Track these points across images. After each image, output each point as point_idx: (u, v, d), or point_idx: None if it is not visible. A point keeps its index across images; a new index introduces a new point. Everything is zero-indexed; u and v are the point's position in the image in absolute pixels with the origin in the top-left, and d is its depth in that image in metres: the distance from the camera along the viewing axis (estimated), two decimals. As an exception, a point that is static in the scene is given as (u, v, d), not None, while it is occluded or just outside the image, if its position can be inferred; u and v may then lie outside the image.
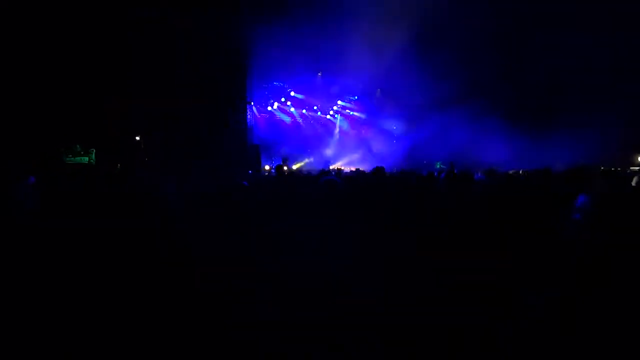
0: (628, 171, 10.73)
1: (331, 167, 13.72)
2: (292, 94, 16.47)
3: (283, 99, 16.54)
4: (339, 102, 17.67)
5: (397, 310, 1.54)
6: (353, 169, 11.09)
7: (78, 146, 9.69)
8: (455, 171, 5.44)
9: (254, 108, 15.32)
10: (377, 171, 3.69)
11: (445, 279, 1.59)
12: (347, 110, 17.86)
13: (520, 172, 7.99)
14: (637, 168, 12.50)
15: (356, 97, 17.79)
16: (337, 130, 17.74)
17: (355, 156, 16.84)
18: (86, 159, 9.63)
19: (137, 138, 10.80)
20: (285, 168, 5.55)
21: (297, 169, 14.00)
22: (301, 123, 17.05)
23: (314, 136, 17.26)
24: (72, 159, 9.52)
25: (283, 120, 16.68)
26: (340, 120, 17.84)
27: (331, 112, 17.71)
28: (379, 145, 17.13)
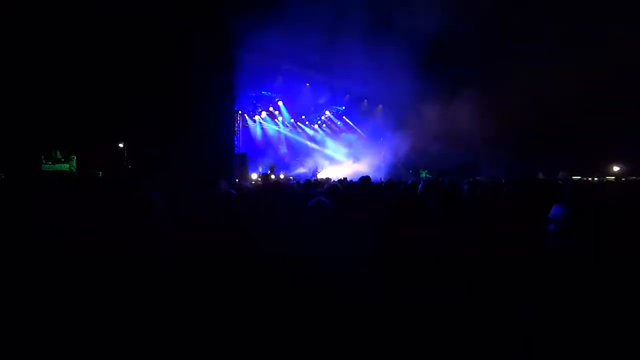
0: (604, 180, 11.14)
1: (318, 176, 13.74)
2: (280, 103, 16.54)
3: (271, 108, 16.58)
4: (327, 112, 17.83)
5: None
6: (340, 177, 11.11)
7: (58, 152, 9.39)
8: (441, 181, 5.53)
9: (245, 116, 15.32)
10: (363, 181, 3.72)
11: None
12: (335, 120, 18.03)
13: (503, 180, 8.14)
14: (613, 178, 13.00)
15: (344, 107, 17.98)
16: (325, 140, 17.85)
17: (343, 165, 16.94)
18: (67, 166, 9.33)
19: (121, 145, 10.58)
20: (272, 177, 5.55)
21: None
22: (288, 133, 17.10)
23: (300, 145, 17.32)
24: (52, 166, 9.21)
25: (270, 129, 16.70)
26: (328, 129, 17.98)
27: (319, 122, 17.86)
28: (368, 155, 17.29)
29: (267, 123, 16.57)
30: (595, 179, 11.64)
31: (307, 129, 17.56)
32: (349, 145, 17.85)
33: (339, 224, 2.11)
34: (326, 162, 17.16)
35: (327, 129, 17.98)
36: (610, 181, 10.33)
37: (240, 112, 14.57)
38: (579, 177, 11.42)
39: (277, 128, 16.81)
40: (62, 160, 9.34)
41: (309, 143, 17.48)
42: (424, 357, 1.49)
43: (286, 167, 16.34)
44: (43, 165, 9.15)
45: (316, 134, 17.72)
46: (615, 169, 14.95)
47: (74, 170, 9.37)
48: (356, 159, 17.32)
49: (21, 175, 7.40)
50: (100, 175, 8.97)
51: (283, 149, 16.91)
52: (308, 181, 6.22)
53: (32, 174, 8.43)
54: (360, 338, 1.49)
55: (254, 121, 16.28)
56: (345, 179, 8.22)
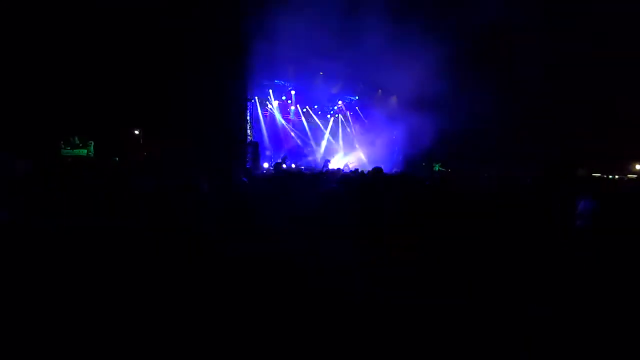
0: (626, 178, 10.79)
1: (330, 167, 13.70)
2: (293, 92, 16.44)
3: (284, 97, 16.50)
4: (340, 102, 17.64)
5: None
6: (352, 167, 11.08)
7: (76, 138, 9.62)
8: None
9: (258, 105, 15.32)
10: (375, 172, 3.68)
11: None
12: (348, 111, 17.84)
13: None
14: (635, 176, 12.55)
15: (357, 97, 17.76)
16: (339, 130, 17.72)
17: (356, 156, 16.84)
18: (84, 151, 9.57)
19: (137, 132, 10.75)
20: (284, 166, 5.56)
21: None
22: (301, 122, 17.03)
23: (313, 135, 17.25)
24: (70, 151, 9.46)
25: (283, 119, 16.65)
26: (340, 120, 17.82)
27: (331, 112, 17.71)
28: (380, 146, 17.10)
29: (280, 112, 16.53)
30: (617, 176, 11.26)
31: (318, 120, 17.45)
32: (361, 135, 17.69)
33: (348, 211, 2.09)
34: (338, 153, 17.08)
35: (339, 119, 17.83)
36: (632, 179, 9.97)
37: (253, 100, 14.56)
38: (599, 175, 11.07)
39: (289, 117, 16.76)
40: (80, 145, 9.58)
41: (320, 133, 17.39)
42: (425, 357, 1.46)
43: (298, 157, 16.32)
44: (62, 150, 9.40)
45: (329, 124, 17.59)
46: (638, 167, 14.42)
47: (92, 155, 9.60)
48: (368, 149, 17.17)
49: (41, 159, 7.62)
50: (117, 160, 9.16)
51: (295, 139, 16.88)
52: (320, 171, 6.22)
53: (51, 158, 8.68)
54: (363, 337, 1.48)
55: (267, 110, 16.24)
56: (357, 169, 8.18)
